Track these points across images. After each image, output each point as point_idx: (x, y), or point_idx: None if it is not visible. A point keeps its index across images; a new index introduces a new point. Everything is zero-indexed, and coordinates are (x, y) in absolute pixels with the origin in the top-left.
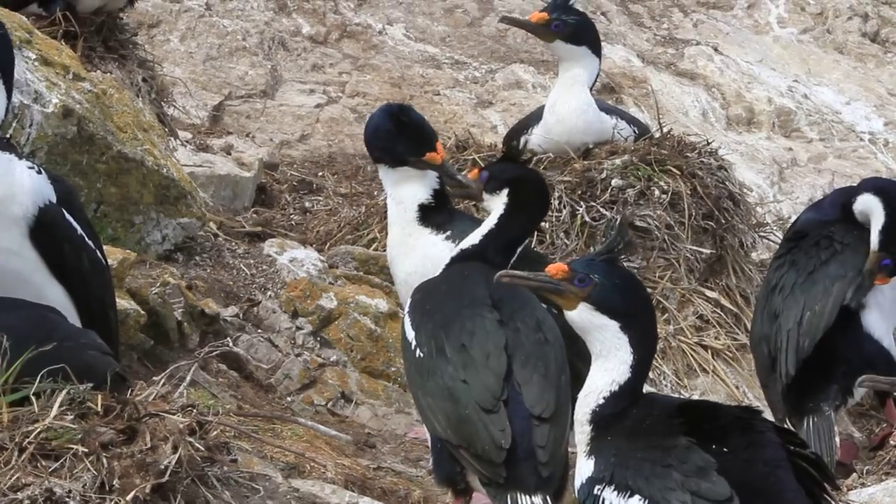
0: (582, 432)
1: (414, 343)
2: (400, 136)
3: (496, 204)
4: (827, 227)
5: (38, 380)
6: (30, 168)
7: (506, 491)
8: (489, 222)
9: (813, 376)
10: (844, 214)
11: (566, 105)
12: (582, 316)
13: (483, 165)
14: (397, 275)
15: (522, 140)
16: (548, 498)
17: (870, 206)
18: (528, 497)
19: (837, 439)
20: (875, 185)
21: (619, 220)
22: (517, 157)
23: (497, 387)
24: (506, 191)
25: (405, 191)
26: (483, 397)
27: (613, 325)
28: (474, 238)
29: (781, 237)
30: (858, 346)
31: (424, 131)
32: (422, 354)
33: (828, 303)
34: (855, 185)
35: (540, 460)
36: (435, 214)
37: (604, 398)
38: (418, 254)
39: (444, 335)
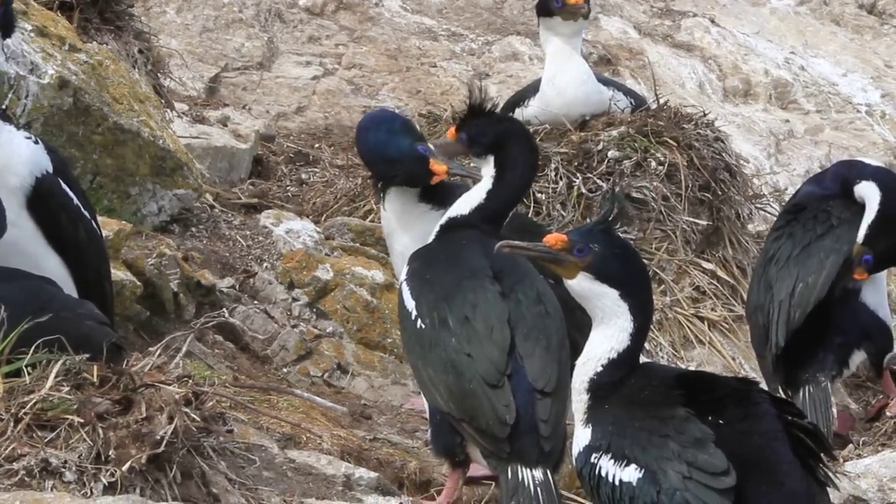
0: (579, 401)
1: (414, 313)
2: (401, 172)
3: (485, 168)
4: (826, 202)
5: (33, 350)
6: (27, 138)
7: (507, 463)
8: (479, 191)
9: (808, 347)
10: (844, 189)
11: (566, 76)
12: (582, 285)
13: (456, 124)
14: (394, 247)
15: (518, 112)
16: (548, 471)
17: (868, 195)
18: (528, 470)
19: (834, 409)
20: (879, 176)
21: (613, 189)
22: (483, 107)
23: (501, 361)
24: (492, 157)
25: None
26: (487, 371)
27: (613, 294)
28: (463, 207)
29: (778, 209)
30: (854, 316)
31: (420, 163)
32: (423, 326)
33: (821, 276)
34: (858, 158)
35: (542, 434)
36: (434, 190)
37: (602, 366)
38: (417, 231)
39: (447, 307)
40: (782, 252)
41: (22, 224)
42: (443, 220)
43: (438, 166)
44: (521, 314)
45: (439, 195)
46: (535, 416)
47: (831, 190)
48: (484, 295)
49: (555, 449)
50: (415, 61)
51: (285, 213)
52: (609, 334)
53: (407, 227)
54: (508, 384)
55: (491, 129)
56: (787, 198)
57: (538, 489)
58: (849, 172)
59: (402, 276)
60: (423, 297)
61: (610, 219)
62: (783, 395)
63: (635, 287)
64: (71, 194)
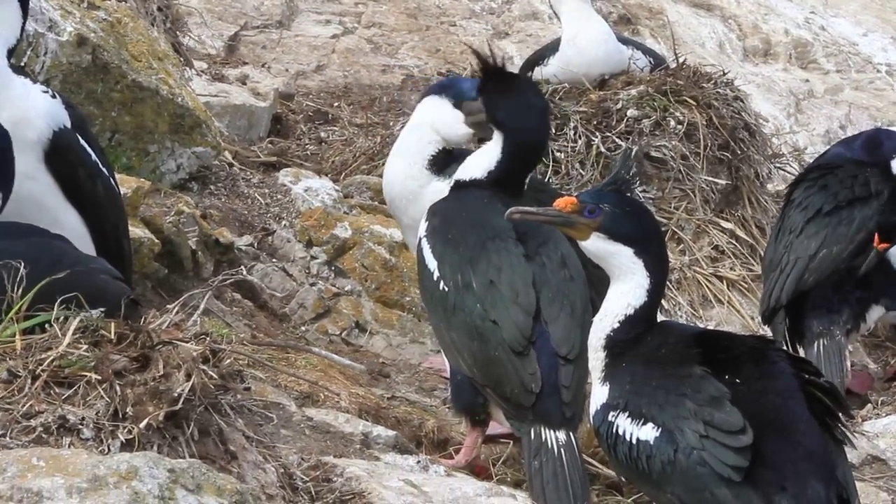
0: (596, 358)
1: (437, 274)
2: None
3: (492, 138)
4: (863, 168)
5: (49, 306)
6: (44, 92)
7: (530, 425)
8: (488, 158)
9: (824, 298)
10: (876, 158)
11: (587, 35)
12: (596, 245)
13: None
14: (401, 219)
15: (537, 71)
16: (571, 433)
17: None
18: (552, 432)
19: (848, 363)
20: None
21: (624, 150)
22: (498, 73)
23: (527, 326)
24: (500, 137)
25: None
26: (513, 338)
27: (628, 251)
28: (475, 170)
29: (798, 168)
30: (875, 270)
31: None
32: (446, 288)
33: (847, 249)
34: (892, 129)
35: (564, 400)
36: (441, 159)
37: (619, 322)
38: (424, 201)
39: (471, 270)
40: (812, 201)
41: (40, 178)
42: (456, 177)
43: None
44: (546, 277)
45: (445, 164)
46: (557, 381)
47: (864, 158)
48: (508, 258)
49: (576, 415)
50: (434, 20)
51: (304, 172)
52: (625, 290)
53: (414, 199)
54: (533, 352)
55: (504, 102)
56: (806, 157)
57: (561, 450)
58: (886, 143)
59: (422, 231)
60: (446, 258)
61: (626, 178)
62: (788, 345)
63: (649, 243)
64: (89, 150)
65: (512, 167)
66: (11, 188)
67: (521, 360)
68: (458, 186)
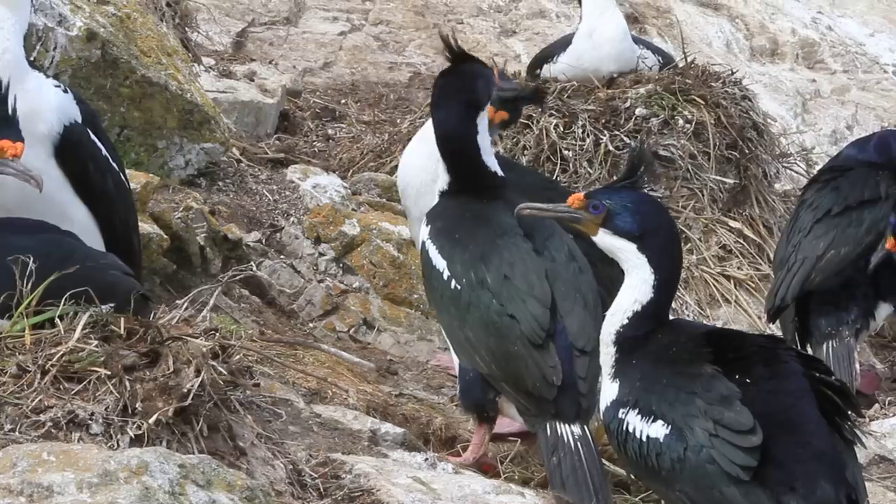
0: (607, 353)
1: (447, 273)
2: None
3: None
4: (875, 170)
5: (61, 302)
6: (56, 87)
7: (545, 420)
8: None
9: (832, 297)
10: (888, 161)
11: (604, 31)
12: (603, 240)
13: None
14: (411, 210)
15: (546, 69)
16: (585, 427)
17: None
18: (567, 426)
19: (857, 366)
20: None
21: (641, 145)
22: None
23: (545, 318)
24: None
25: None
26: (532, 330)
27: (631, 247)
28: (441, 185)
29: (805, 168)
30: (882, 270)
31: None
32: (458, 286)
33: (854, 250)
34: None
35: (581, 392)
36: None
37: (627, 318)
38: (432, 197)
39: (484, 266)
40: (822, 202)
41: (50, 172)
42: (438, 189)
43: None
44: (557, 272)
45: None
46: (574, 374)
47: (877, 159)
48: (519, 253)
49: (591, 406)
50: (441, 17)
51: (312, 168)
52: (632, 285)
53: (423, 190)
54: (552, 344)
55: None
56: (814, 157)
57: (578, 444)
58: (895, 144)
59: (424, 235)
60: (455, 257)
61: (634, 176)
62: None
63: (653, 238)
64: (100, 145)
65: (450, 168)
66: None
67: (541, 353)
68: (443, 195)
